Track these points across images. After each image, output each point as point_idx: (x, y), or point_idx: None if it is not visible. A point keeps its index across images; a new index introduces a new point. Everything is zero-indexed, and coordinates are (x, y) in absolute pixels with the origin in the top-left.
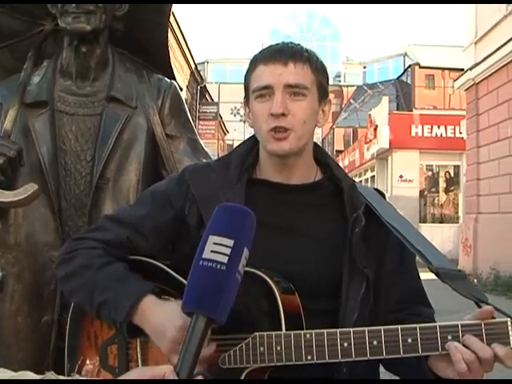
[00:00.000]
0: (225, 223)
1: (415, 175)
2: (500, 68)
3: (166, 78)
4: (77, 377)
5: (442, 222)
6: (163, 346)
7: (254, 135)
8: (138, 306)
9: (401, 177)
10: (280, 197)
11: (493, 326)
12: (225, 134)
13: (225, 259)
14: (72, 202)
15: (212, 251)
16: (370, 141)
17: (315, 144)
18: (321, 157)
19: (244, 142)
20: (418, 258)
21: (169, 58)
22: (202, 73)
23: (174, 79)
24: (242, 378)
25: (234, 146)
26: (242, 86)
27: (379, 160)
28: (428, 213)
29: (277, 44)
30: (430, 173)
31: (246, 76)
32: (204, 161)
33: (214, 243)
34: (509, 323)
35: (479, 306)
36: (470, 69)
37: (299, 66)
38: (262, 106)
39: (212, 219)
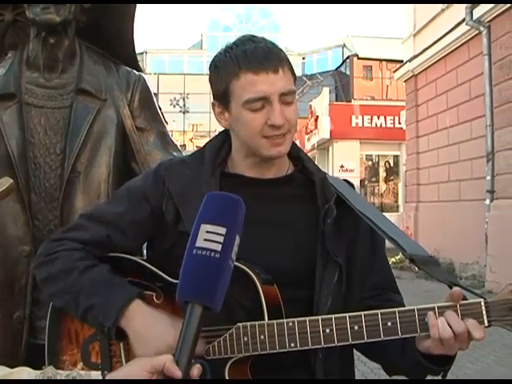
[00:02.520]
0: (216, 211)
1: (356, 165)
2: (438, 60)
3: (135, 71)
4: (76, 371)
5: (382, 210)
6: (142, 354)
7: (224, 130)
8: (126, 310)
9: (342, 167)
10: (253, 190)
11: (467, 307)
12: None
13: (218, 247)
14: (42, 195)
15: (205, 239)
16: (311, 131)
17: None
18: (292, 150)
19: (216, 136)
20: (391, 245)
21: (134, 50)
22: (140, 63)
23: (141, 71)
24: (227, 368)
25: (173, 137)
26: (182, 76)
27: (320, 150)
28: (368, 202)
29: (247, 40)
30: (370, 163)
31: (224, 79)
32: (174, 153)
33: (207, 231)
34: (482, 303)
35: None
36: (409, 60)
37: (286, 71)
38: (255, 116)
39: (202, 208)
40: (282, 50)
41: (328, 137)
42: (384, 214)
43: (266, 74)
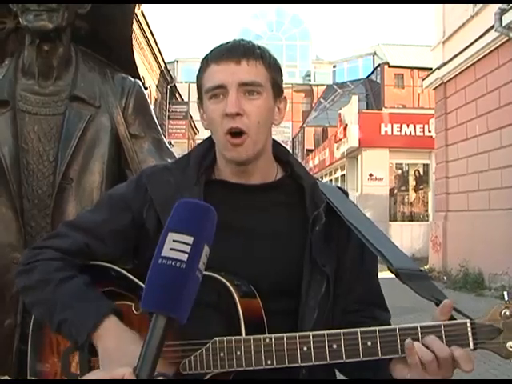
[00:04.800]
0: (184, 220)
1: (385, 174)
2: (467, 67)
3: (130, 77)
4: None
5: (411, 220)
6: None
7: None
8: (99, 327)
9: (371, 175)
10: (239, 197)
11: (452, 328)
12: (195, 134)
13: (184, 257)
14: (35, 202)
15: (171, 249)
16: (340, 140)
17: (275, 142)
18: (281, 155)
19: (202, 142)
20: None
21: (133, 56)
22: (171, 72)
23: (139, 78)
24: None
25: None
26: None
27: (349, 159)
28: (398, 211)
29: (227, 42)
30: (399, 171)
31: (198, 76)
32: (169, 160)
33: (174, 240)
34: (468, 324)
35: (438, 306)
36: (438, 68)
37: (252, 64)
38: (216, 106)
39: (171, 216)
40: (261, 49)
41: (357, 145)
42: (414, 223)
43: (226, 64)
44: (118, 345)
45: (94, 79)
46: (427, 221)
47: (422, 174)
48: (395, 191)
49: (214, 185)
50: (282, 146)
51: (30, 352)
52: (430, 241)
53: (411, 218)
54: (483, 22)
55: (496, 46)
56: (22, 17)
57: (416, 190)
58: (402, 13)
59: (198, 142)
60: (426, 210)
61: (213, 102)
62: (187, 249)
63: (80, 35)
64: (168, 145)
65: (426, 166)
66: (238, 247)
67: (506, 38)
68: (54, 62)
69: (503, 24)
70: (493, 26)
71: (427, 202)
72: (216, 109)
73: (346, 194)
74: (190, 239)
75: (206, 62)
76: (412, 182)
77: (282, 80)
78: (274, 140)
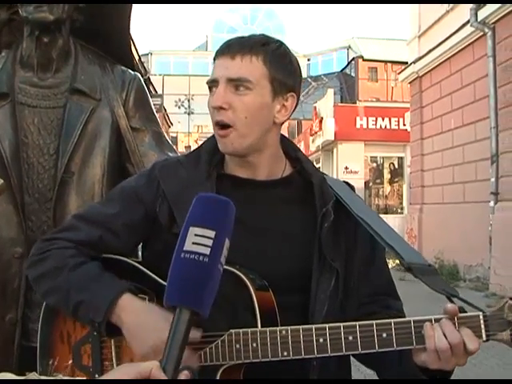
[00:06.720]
0: (205, 214)
1: (360, 167)
2: (443, 62)
3: (130, 70)
4: (60, 377)
5: (386, 212)
6: (139, 349)
7: None
8: (116, 305)
9: (346, 168)
10: (249, 193)
11: (465, 320)
12: (169, 127)
13: (207, 251)
14: (35, 196)
15: (194, 243)
16: (316, 133)
17: (284, 137)
18: (290, 150)
19: (213, 135)
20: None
21: (131, 49)
22: (145, 64)
23: (136, 70)
24: (218, 374)
25: (178, 139)
26: (187, 78)
27: (324, 152)
28: (373, 204)
29: (238, 37)
30: (374, 164)
31: None
32: (170, 154)
33: (196, 235)
34: (481, 317)
35: (450, 300)
36: (414, 62)
37: (246, 59)
38: (210, 99)
39: (191, 210)
40: (268, 46)
41: (332, 138)
42: (388, 215)
43: (222, 59)
44: (140, 321)
45: (94, 72)
46: (402, 213)
47: (396, 167)
48: (370, 184)
49: (224, 179)
50: (291, 142)
51: (39, 345)
52: (406, 233)
53: (386, 210)
54: (459, 16)
55: (471, 40)
56: (21, 8)
57: (391, 182)
58: (377, 7)
59: (172, 134)
60: (401, 203)
61: (210, 95)
62: (209, 243)
63: (76, 27)
64: (168, 138)
65: (400, 159)
66: (247, 242)
67: (481, 33)
68: (53, 54)
69: (479, 19)
70: (468, 21)
71: (402, 195)
72: (209, 101)
73: (353, 188)
74: (211, 233)
75: (214, 55)
76: (387, 175)
77: (291, 76)
78: (283, 136)
